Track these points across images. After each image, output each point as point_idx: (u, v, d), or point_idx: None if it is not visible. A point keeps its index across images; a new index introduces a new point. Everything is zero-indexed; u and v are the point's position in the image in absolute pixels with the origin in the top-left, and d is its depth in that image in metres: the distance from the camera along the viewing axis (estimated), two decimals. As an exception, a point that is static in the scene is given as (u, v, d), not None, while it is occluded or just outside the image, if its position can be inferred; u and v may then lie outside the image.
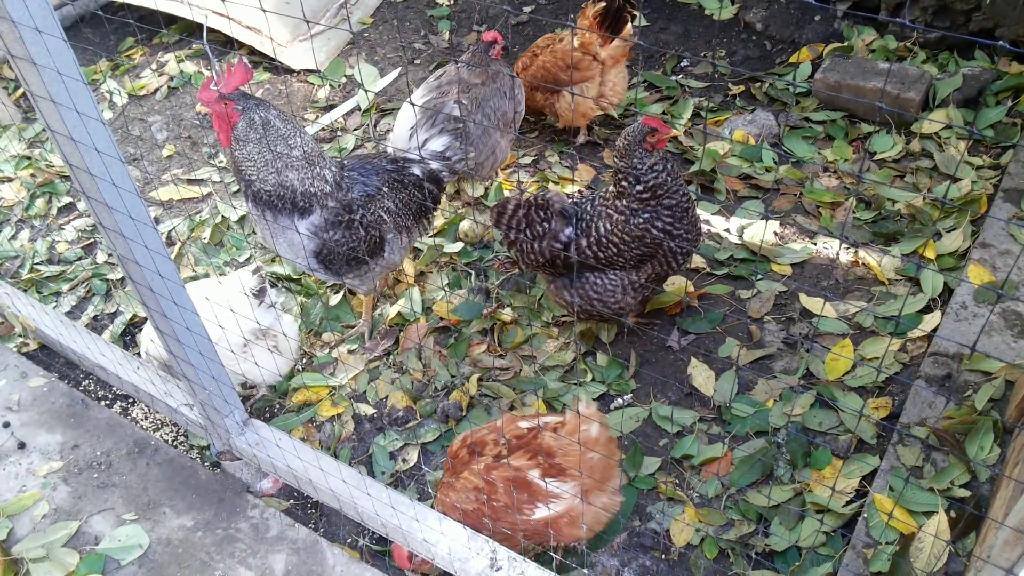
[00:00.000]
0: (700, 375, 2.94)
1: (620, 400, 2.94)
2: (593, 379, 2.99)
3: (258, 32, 4.52)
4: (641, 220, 2.71)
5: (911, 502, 2.32)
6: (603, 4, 3.61)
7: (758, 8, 4.44)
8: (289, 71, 4.53)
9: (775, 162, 3.73)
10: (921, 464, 2.43)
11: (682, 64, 4.36)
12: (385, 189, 2.95)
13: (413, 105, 3.28)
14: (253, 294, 2.80)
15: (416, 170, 3.05)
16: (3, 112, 4.39)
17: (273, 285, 3.35)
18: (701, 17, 4.61)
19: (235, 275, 2.86)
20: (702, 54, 4.38)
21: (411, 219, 3.06)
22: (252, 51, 4.60)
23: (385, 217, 2.94)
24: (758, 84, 4.15)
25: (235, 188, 3.92)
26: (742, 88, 4.15)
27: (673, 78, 4.27)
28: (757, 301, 3.17)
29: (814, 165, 3.72)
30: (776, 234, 3.44)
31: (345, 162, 2.94)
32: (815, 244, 3.37)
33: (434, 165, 3.13)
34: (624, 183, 2.70)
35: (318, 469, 2.41)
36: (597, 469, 2.27)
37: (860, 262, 3.25)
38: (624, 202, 2.73)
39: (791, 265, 3.30)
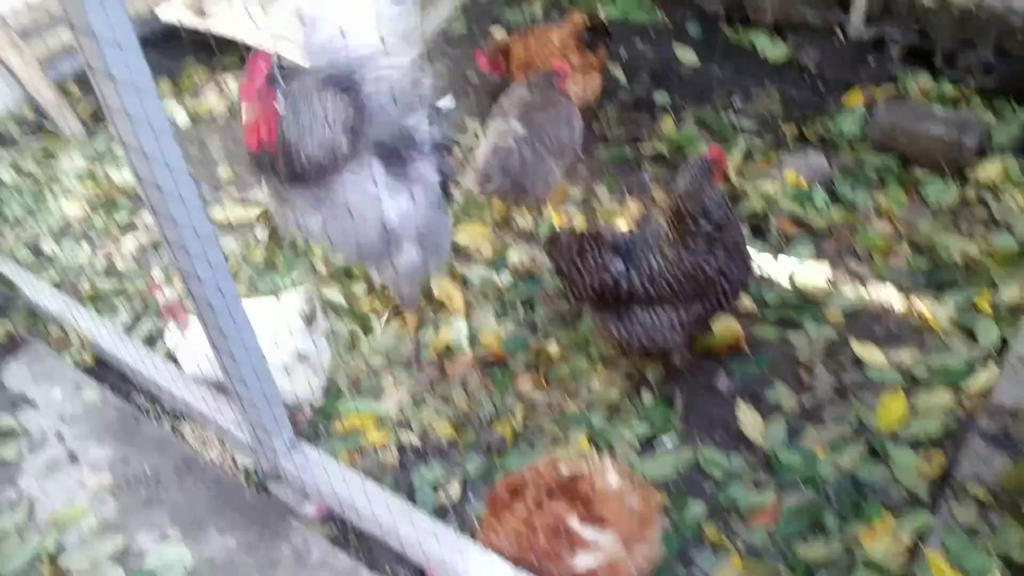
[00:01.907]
0: (748, 419, 2.91)
1: (666, 441, 2.92)
2: (639, 419, 2.98)
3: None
4: (696, 257, 2.71)
5: (966, 563, 2.27)
6: (583, 23, 4.12)
7: (812, 49, 4.44)
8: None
9: (827, 205, 3.71)
10: (976, 523, 2.38)
11: (734, 103, 4.36)
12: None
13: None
14: (303, 318, 2.84)
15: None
16: (70, 127, 4.51)
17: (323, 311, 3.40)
18: (754, 57, 4.61)
19: (285, 297, 2.91)
20: (755, 93, 4.37)
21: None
22: (309, 76, 4.69)
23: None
24: (810, 126, 4.14)
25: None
26: (794, 129, 4.13)
27: (725, 117, 4.27)
28: (807, 346, 3.14)
29: (867, 209, 3.69)
30: (827, 278, 3.41)
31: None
32: (868, 290, 3.33)
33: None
34: (688, 220, 2.69)
35: (363, 496, 2.43)
36: (635, 519, 2.25)
37: (914, 311, 3.20)
38: (679, 238, 2.74)
39: (843, 311, 3.26)
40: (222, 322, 2.22)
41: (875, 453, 2.75)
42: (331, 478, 2.50)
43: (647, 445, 2.91)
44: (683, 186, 2.71)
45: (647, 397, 3.05)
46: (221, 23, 4.67)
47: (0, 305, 3.57)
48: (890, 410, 2.83)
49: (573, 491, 2.28)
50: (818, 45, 4.45)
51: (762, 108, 4.28)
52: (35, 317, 3.52)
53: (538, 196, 3.70)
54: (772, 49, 4.59)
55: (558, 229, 2.93)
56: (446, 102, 4.52)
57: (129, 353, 3.01)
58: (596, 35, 4.13)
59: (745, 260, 2.81)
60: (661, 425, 2.94)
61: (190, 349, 2.85)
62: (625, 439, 2.91)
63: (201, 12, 4.67)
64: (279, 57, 2.63)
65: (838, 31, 4.46)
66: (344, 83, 2.71)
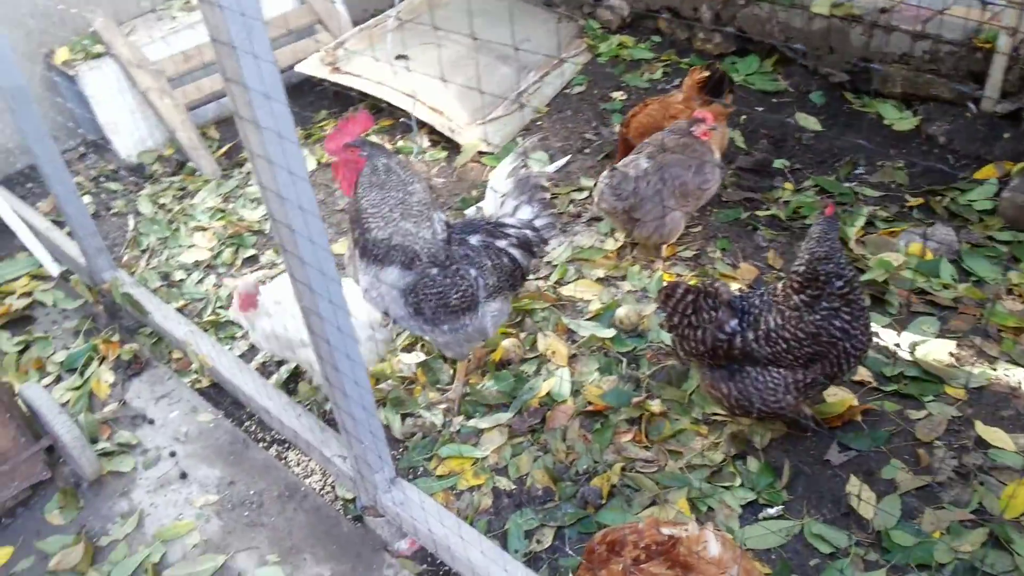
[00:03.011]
0: (860, 496, 2.77)
1: (771, 511, 2.80)
2: (742, 484, 2.87)
3: (440, 113, 4.79)
4: (818, 317, 2.64)
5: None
6: (707, 73, 4.08)
7: (942, 121, 4.30)
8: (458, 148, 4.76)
9: (954, 280, 3.54)
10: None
11: (856, 171, 4.26)
12: (481, 248, 3.04)
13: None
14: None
15: (511, 232, 3.11)
16: (206, 167, 4.82)
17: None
18: (879, 127, 4.51)
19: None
20: (879, 163, 4.26)
21: (504, 283, 3.10)
22: (432, 130, 4.87)
23: (476, 275, 3.00)
24: (938, 198, 3.99)
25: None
26: (921, 200, 3.99)
27: (846, 184, 4.17)
28: (927, 424, 2.97)
29: (997, 286, 3.50)
30: (952, 355, 3.23)
31: (449, 221, 3.06)
32: (995, 370, 3.14)
33: (527, 232, 3.16)
34: (814, 278, 2.64)
35: (458, 537, 2.42)
36: None
37: (1047, 394, 3.00)
38: (800, 297, 2.67)
39: (967, 390, 3.08)
40: (338, 360, 2.29)
41: (997, 541, 2.56)
42: (428, 517, 2.50)
43: (750, 512, 2.80)
44: (812, 243, 2.66)
45: (752, 462, 2.94)
46: (356, 80, 4.92)
47: (129, 327, 3.81)
48: (1016, 497, 2.64)
49: (673, 555, 2.21)
50: (949, 117, 4.32)
51: (886, 178, 4.16)
52: (159, 340, 3.72)
53: (652, 237, 3.73)
54: (899, 119, 4.48)
55: (676, 282, 2.90)
56: (557, 163, 4.64)
57: (245, 379, 3.13)
58: (719, 86, 4.09)
59: (867, 325, 2.72)
60: (766, 493, 2.83)
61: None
62: (727, 504, 2.82)
63: (336, 69, 4.94)
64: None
65: (970, 104, 4.32)
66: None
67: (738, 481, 2.89)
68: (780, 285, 2.81)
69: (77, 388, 3.45)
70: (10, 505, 2.98)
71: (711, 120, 3.65)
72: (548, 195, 3.25)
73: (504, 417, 3.24)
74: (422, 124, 4.89)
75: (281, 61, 5.18)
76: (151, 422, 3.31)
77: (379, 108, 5.07)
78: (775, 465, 2.92)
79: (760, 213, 4.09)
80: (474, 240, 3.06)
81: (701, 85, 4.10)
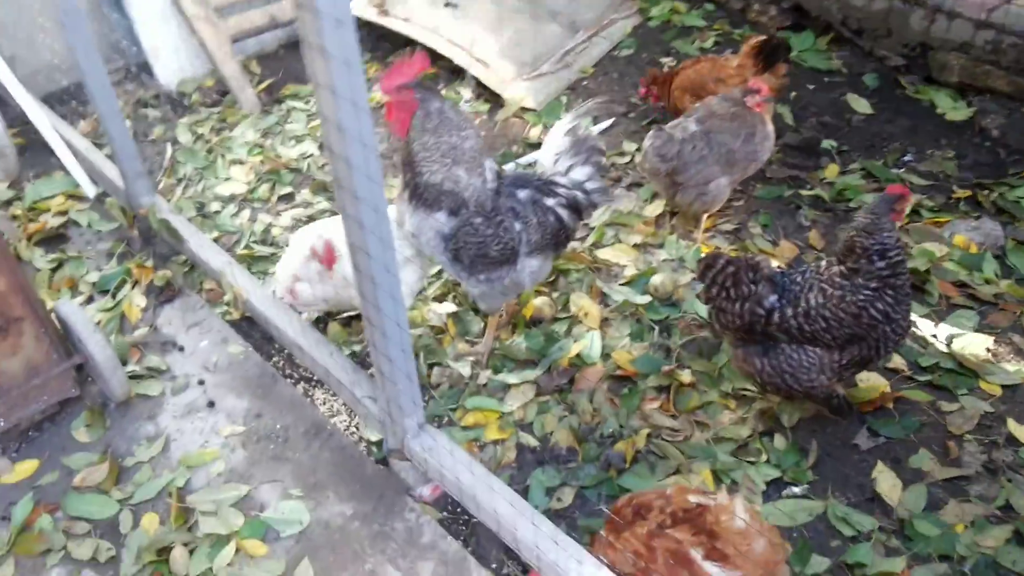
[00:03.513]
0: (886, 481, 2.75)
1: (795, 489, 2.79)
2: (768, 461, 2.86)
3: (486, 66, 4.72)
4: (860, 297, 2.60)
5: None
6: (763, 38, 4.03)
7: (997, 115, 4.21)
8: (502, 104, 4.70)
9: (997, 275, 3.49)
10: None
11: (905, 158, 4.18)
12: (528, 204, 3.00)
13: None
14: None
15: (561, 192, 3.07)
16: (247, 102, 4.78)
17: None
18: (932, 115, 4.42)
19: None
20: (928, 151, 4.18)
21: (547, 242, 3.07)
22: (478, 83, 4.80)
23: (520, 229, 2.97)
24: (986, 192, 3.92)
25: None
26: (968, 193, 3.92)
27: (894, 171, 4.10)
28: (959, 417, 2.95)
29: (1040, 286, 3.45)
30: (989, 350, 3.19)
31: (500, 171, 3.03)
32: (1033, 369, 3.11)
33: (577, 193, 3.11)
34: (862, 257, 2.59)
35: (487, 487, 2.42)
36: (760, 564, 2.15)
37: (1085, 398, 2.96)
38: (844, 278, 2.63)
39: (1002, 386, 3.05)
40: (382, 299, 2.27)
41: (1021, 539, 2.55)
42: (456, 465, 2.50)
43: (773, 489, 2.79)
44: (862, 221, 2.61)
45: (779, 440, 2.93)
46: (403, 24, 4.85)
47: (162, 254, 3.81)
48: (1047, 497, 2.62)
49: (699, 523, 2.21)
50: (1006, 111, 4.22)
51: (935, 167, 4.08)
52: (192, 269, 3.72)
53: (694, 203, 3.70)
54: (953, 109, 4.38)
55: (717, 252, 2.86)
56: (602, 124, 4.57)
57: (278, 314, 3.13)
58: (775, 55, 4.01)
59: (908, 312, 2.68)
60: (791, 471, 2.82)
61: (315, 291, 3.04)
62: (751, 479, 2.81)
63: (384, 12, 4.87)
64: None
65: (1029, 98, 4.22)
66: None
67: (764, 457, 2.88)
68: (824, 263, 2.77)
69: (109, 309, 3.46)
70: (37, 419, 3.00)
71: (766, 91, 3.58)
72: (604, 159, 3.20)
73: (532, 374, 3.23)
74: (464, 74, 4.83)
75: None
76: (181, 349, 3.32)
77: (429, 54, 5.00)
78: (802, 445, 2.91)
79: (804, 192, 4.03)
80: (522, 195, 3.02)
81: (757, 51, 4.02)
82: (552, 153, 3.14)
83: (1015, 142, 4.12)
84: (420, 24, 4.83)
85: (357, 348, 3.34)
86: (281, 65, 5.18)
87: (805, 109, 4.57)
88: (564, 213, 3.08)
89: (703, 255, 2.87)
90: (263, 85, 5.05)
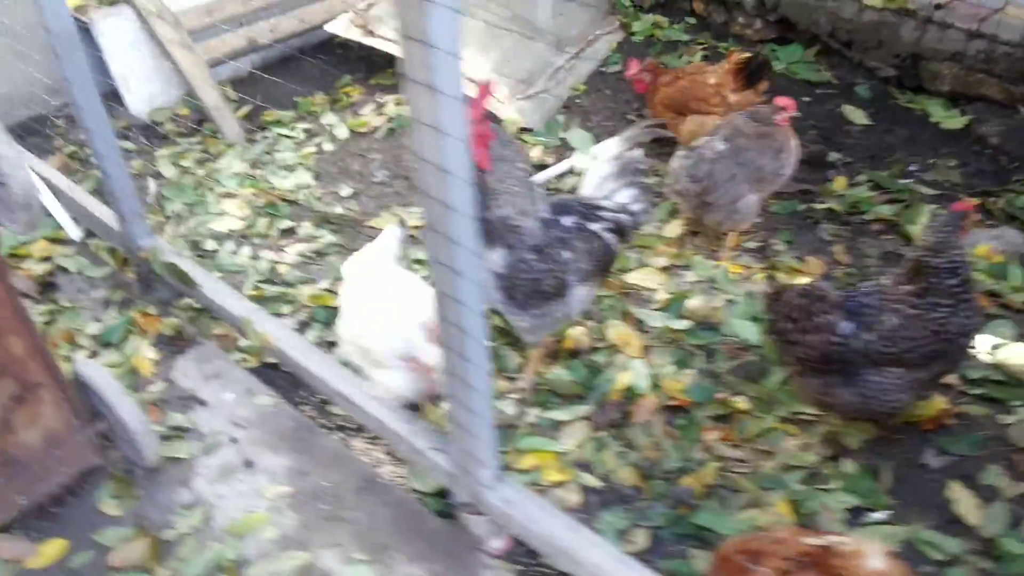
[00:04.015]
0: (963, 501, 2.72)
1: (875, 515, 2.73)
2: (843, 487, 2.80)
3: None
4: (939, 315, 2.57)
5: None
6: (746, 56, 4.06)
7: (994, 123, 4.30)
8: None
9: None
10: None
11: (911, 168, 4.22)
12: (574, 230, 2.91)
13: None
14: None
15: (606, 216, 2.99)
16: (230, 130, 4.51)
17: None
18: (927, 124, 4.49)
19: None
20: (930, 161, 4.23)
21: (595, 268, 2.98)
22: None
23: (569, 259, 2.87)
24: (993, 199, 3.98)
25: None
26: (977, 201, 3.97)
27: (901, 182, 4.13)
28: (1020, 429, 2.94)
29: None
30: (1032, 359, 3.21)
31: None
32: (1078, 376, 3.13)
33: (622, 216, 3.04)
34: (934, 276, 2.56)
35: (587, 541, 2.28)
36: None
37: None
38: (919, 297, 2.60)
39: (1052, 396, 3.07)
40: (469, 348, 2.10)
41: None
42: (549, 519, 2.35)
43: (852, 517, 2.72)
44: (930, 240, 2.58)
45: (847, 465, 2.87)
46: (391, 45, 4.66)
47: (164, 299, 3.52)
48: None
49: (827, 567, 2.10)
50: (1000, 118, 4.31)
51: (940, 176, 4.13)
52: (200, 314, 3.45)
53: (724, 222, 3.65)
54: (947, 118, 4.46)
55: (782, 283, 2.79)
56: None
57: (317, 362, 2.91)
58: (759, 73, 4.05)
59: (979, 322, 2.68)
60: (867, 497, 2.76)
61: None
62: (828, 507, 2.73)
63: (370, 32, 4.67)
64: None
65: (1021, 107, 4.32)
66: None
67: (837, 484, 2.81)
68: (888, 281, 2.74)
69: (117, 365, 3.16)
70: (57, 493, 2.71)
71: (793, 107, 3.56)
72: (646, 179, 3.10)
73: (582, 409, 3.09)
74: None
75: (312, 18, 4.88)
76: (203, 404, 3.05)
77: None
78: (873, 468, 2.85)
79: (817, 206, 4.02)
80: (567, 221, 2.91)
81: (739, 69, 4.01)
82: (597, 178, 3.04)
83: (1014, 149, 4.21)
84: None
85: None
86: (257, 89, 4.91)
87: (803, 122, 4.56)
88: (610, 237, 2.98)
89: (769, 287, 2.80)
90: (242, 111, 4.78)
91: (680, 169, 3.56)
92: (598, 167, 3.02)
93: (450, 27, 1.64)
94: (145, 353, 3.21)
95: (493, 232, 2.68)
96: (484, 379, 2.19)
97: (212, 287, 3.22)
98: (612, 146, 3.05)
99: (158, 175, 4.31)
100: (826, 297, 2.72)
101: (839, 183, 4.13)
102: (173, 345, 3.29)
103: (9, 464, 2.52)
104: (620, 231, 3.01)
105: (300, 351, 2.96)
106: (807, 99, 4.72)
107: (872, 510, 2.74)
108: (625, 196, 3.02)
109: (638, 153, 3.11)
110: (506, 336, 3.33)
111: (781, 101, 3.58)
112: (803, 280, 3.58)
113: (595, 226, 2.95)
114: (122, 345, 3.26)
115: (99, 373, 2.66)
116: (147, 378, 3.14)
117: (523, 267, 2.76)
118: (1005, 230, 3.73)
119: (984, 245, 3.67)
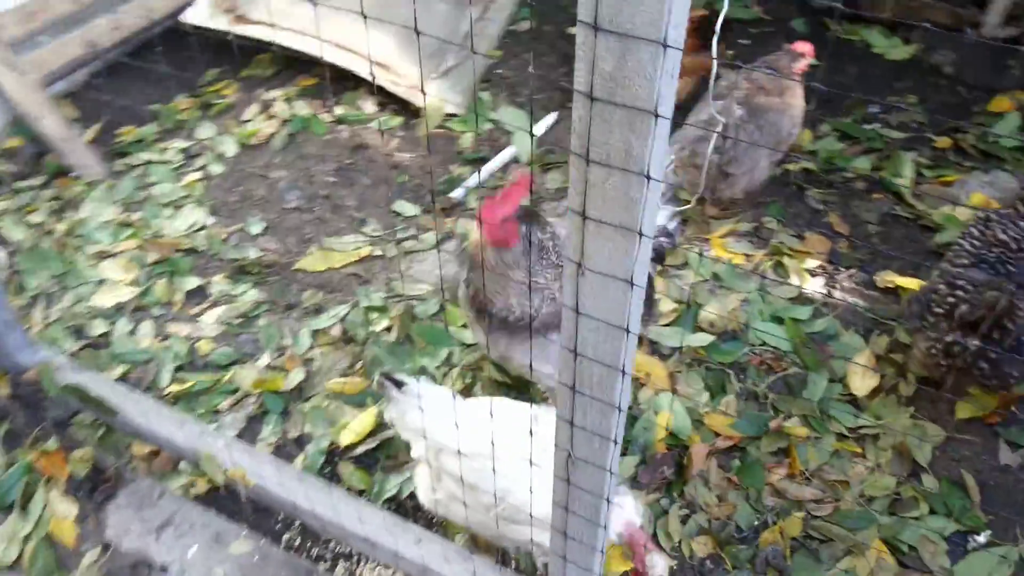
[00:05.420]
0: (1059, 504, 2.49)
1: (978, 538, 2.45)
2: (933, 511, 2.50)
3: (385, 68, 3.83)
4: None
5: None
6: (702, 14, 3.56)
7: (946, 51, 4.04)
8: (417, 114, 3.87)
9: (1026, 230, 3.32)
10: None
11: (871, 110, 3.92)
12: None
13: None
14: None
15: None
16: (85, 166, 3.54)
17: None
18: (874, 57, 4.18)
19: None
20: (890, 98, 3.94)
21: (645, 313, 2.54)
22: (380, 90, 3.90)
23: None
24: (960, 135, 3.75)
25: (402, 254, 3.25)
26: (949, 142, 3.73)
27: (866, 127, 3.82)
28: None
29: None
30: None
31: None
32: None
33: (663, 240, 2.60)
34: None
35: None
36: None
37: None
38: None
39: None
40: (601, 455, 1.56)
41: None
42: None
43: (953, 543, 2.43)
44: None
45: (927, 480, 2.57)
46: (268, 30, 3.80)
47: (57, 419, 2.68)
48: None
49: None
50: (952, 46, 4.06)
51: (905, 118, 3.85)
52: (107, 432, 2.65)
53: (737, 196, 3.25)
54: (891, 48, 4.17)
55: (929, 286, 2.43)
56: (547, 120, 3.90)
57: (322, 501, 2.23)
58: (711, 29, 3.58)
59: None
60: (962, 516, 2.47)
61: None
62: (929, 539, 2.43)
63: (240, 17, 3.78)
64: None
65: (968, 30, 4.08)
66: None
67: (925, 508, 2.50)
68: None
69: (26, 538, 2.35)
70: None
71: (811, 53, 3.16)
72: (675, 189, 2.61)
73: (628, 467, 2.62)
74: (360, 82, 3.91)
75: (162, 7, 3.89)
76: (163, 571, 2.33)
77: (297, 62, 4.01)
78: (953, 480, 2.57)
79: (791, 167, 3.65)
80: None
81: (695, 27, 3.51)
82: None
83: (971, 78, 3.99)
84: (288, 27, 3.81)
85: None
86: (100, 103, 3.92)
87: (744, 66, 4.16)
88: (652, 270, 2.49)
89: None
90: (90, 134, 3.79)
91: (697, 142, 3.10)
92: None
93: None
94: (60, 510, 2.41)
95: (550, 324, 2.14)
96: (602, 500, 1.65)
97: (142, 409, 2.44)
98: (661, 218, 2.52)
99: (5, 242, 3.33)
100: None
101: (804, 136, 3.77)
102: (94, 489, 2.50)
103: None
104: (660, 258, 2.54)
105: (292, 486, 2.27)
106: (746, 42, 4.30)
107: (974, 531, 2.46)
108: (662, 217, 2.50)
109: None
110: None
111: (799, 47, 3.16)
112: (810, 263, 3.23)
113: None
114: (27, 507, 2.42)
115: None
116: (73, 548, 2.36)
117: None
118: (996, 174, 3.50)
119: (978, 193, 3.43)
